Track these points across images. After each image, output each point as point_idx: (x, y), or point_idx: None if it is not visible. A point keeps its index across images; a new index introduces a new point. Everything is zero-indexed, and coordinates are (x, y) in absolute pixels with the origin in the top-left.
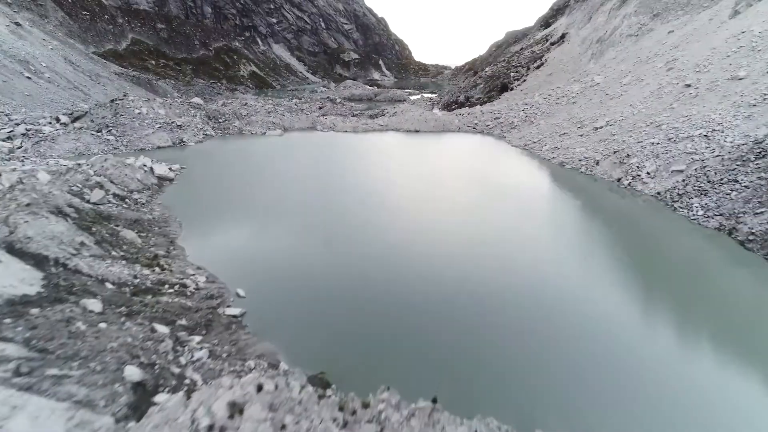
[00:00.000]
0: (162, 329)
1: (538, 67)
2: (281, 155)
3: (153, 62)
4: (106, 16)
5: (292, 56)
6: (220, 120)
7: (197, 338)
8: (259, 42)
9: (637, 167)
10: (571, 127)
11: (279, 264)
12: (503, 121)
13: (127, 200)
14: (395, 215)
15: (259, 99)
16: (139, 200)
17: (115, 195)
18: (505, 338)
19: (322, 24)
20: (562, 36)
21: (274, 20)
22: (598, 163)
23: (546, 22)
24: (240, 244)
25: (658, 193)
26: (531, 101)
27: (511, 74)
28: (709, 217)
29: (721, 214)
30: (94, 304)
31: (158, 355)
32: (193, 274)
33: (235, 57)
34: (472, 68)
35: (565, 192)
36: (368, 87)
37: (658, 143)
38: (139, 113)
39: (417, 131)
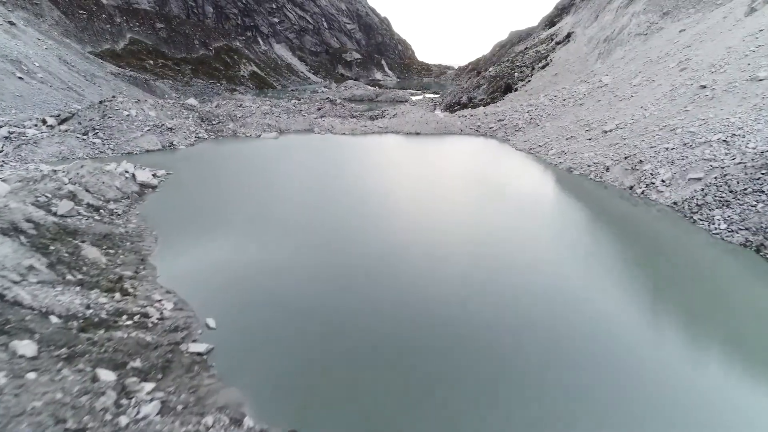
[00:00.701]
0: (107, 376)
1: (543, 67)
2: (274, 159)
3: (151, 62)
4: (103, 16)
5: (294, 56)
6: (213, 122)
7: (149, 386)
8: (260, 42)
9: (651, 174)
10: (578, 130)
11: (261, 288)
12: (507, 124)
13: (101, 211)
14: (394, 235)
15: (256, 100)
16: (115, 211)
17: (88, 206)
18: (519, 379)
19: (325, 24)
20: (568, 35)
21: (276, 20)
22: (608, 169)
23: (551, 21)
24: (220, 263)
25: (675, 203)
26: (536, 102)
27: (516, 74)
28: (733, 231)
29: (746, 228)
30: (27, 347)
31: (93, 414)
32: (160, 300)
33: (236, 57)
34: (475, 68)
35: (573, 200)
36: (369, 87)
37: (673, 148)
38: (127, 115)
39: (417, 134)
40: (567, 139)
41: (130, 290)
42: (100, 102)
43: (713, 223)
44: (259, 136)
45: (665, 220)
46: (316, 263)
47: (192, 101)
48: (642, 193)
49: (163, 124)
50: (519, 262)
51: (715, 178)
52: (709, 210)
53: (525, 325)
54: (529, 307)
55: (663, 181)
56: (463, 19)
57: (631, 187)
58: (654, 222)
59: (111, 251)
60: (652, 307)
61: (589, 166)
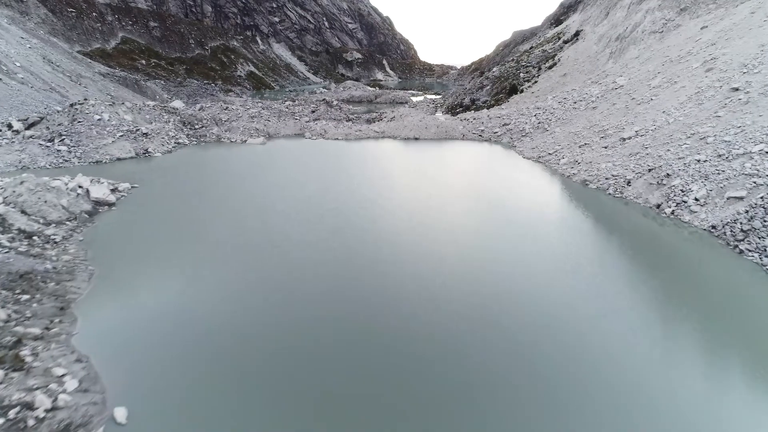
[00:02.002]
0: None
1: (550, 67)
2: (257, 169)
3: (144, 62)
4: (94, 14)
5: (293, 56)
6: (196, 126)
7: None
8: (259, 41)
9: (682, 191)
10: (592, 137)
11: (214, 354)
12: (513, 128)
13: (35, 238)
14: (386, 272)
15: (247, 102)
16: (52, 237)
17: (18, 232)
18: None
19: (326, 23)
20: (576, 33)
21: (277, 19)
22: (629, 183)
23: (556, 19)
24: (163, 313)
25: (713, 227)
26: (544, 105)
27: (521, 75)
28: None
29: None
30: None
31: None
32: (63, 376)
33: (233, 56)
34: (478, 68)
35: (590, 221)
36: (369, 88)
37: (705, 161)
38: (99, 120)
39: (416, 139)
40: (580, 147)
41: (28, 360)
42: (71, 105)
43: (766, 256)
44: (245, 141)
45: (703, 247)
46: (293, 317)
47: (177, 103)
48: (672, 213)
49: (138, 129)
50: (526, 297)
51: (762, 198)
52: (759, 238)
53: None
54: (538, 356)
55: (696, 199)
56: (467, 18)
57: (658, 206)
58: (690, 251)
59: (24, 297)
60: (700, 369)
61: (606, 178)
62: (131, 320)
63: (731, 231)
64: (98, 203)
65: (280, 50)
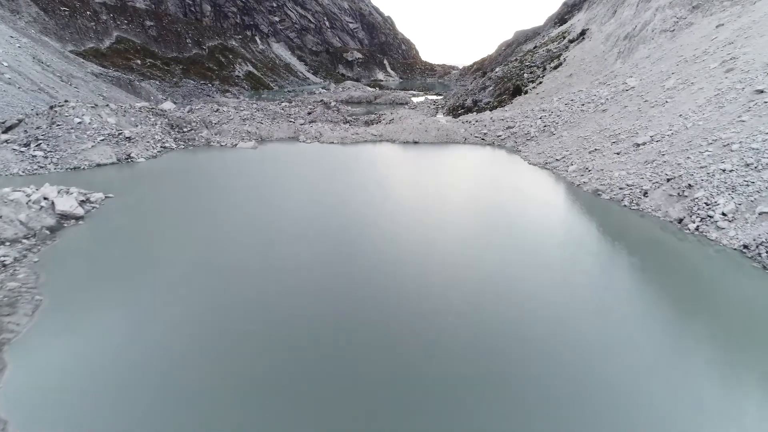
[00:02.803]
0: None
1: (555, 68)
2: (245, 177)
3: (139, 62)
4: (88, 13)
5: (293, 55)
6: (184, 129)
7: None
8: (258, 41)
9: (706, 204)
10: (603, 142)
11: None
12: (517, 132)
13: None
14: (380, 305)
15: (241, 104)
16: (2, 259)
17: None
18: None
19: (327, 23)
20: (582, 33)
21: (277, 19)
22: (646, 194)
23: (560, 18)
24: (118, 357)
25: (746, 247)
26: (549, 107)
27: (525, 75)
28: None
29: None
30: None
31: None
32: None
33: (231, 56)
34: (480, 68)
35: (605, 238)
36: (368, 89)
37: (731, 170)
38: (79, 123)
39: (416, 143)
40: (590, 153)
41: None
42: (51, 107)
43: None
44: (235, 145)
45: (732, 268)
46: (283, 361)
47: (168, 105)
48: (697, 229)
49: (121, 133)
50: (533, 315)
51: None
52: None
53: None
54: (547, 374)
55: (724, 214)
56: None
57: (680, 220)
58: (722, 275)
59: None
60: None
61: (621, 188)
62: (75, 371)
63: (767, 251)
64: (64, 217)
65: (280, 50)
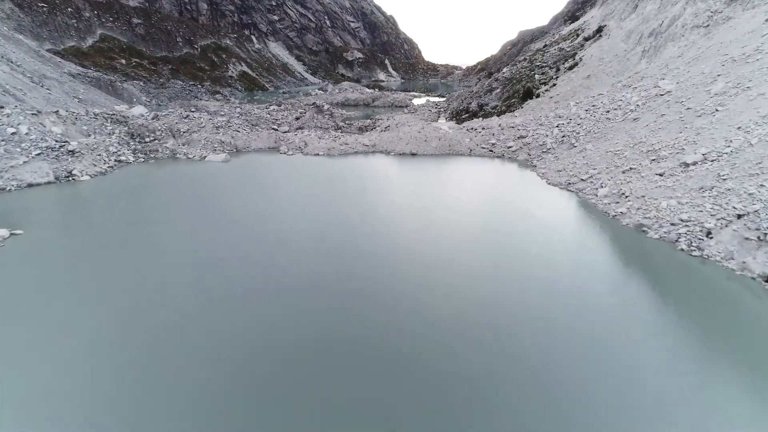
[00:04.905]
0: None
1: (570, 68)
2: (207, 199)
3: (123, 61)
4: (69, 9)
5: (291, 55)
6: (146, 139)
7: None
8: (254, 40)
9: None
10: (639, 159)
11: None
12: (531, 143)
13: None
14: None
15: (224, 107)
16: None
17: None
18: None
19: (327, 22)
20: (599, 29)
21: (276, 18)
22: (709, 234)
23: (571, 15)
24: None
25: None
26: (566, 113)
27: (536, 77)
28: None
29: None
30: None
31: None
32: None
33: (224, 56)
34: (484, 68)
35: (662, 304)
36: (367, 90)
37: None
38: (13, 133)
39: (413, 155)
40: (624, 173)
41: None
42: None
43: None
44: (204, 158)
45: None
46: None
47: (139, 109)
48: None
49: (64, 145)
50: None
51: None
52: None
53: None
54: None
55: None
56: (472, 17)
57: (767, 278)
58: None
59: None
60: None
61: (672, 224)
62: None
63: None
64: None
65: (277, 49)
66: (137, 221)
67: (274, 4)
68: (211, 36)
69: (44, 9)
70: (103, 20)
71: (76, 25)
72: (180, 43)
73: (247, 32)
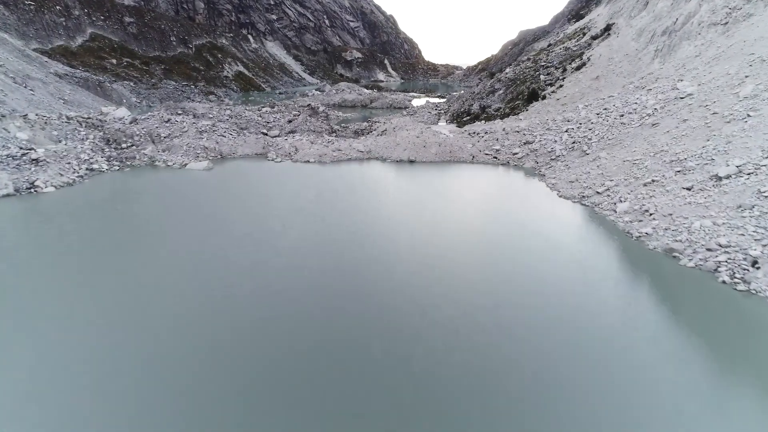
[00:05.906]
0: None
1: (578, 68)
2: (183, 214)
3: (114, 61)
4: (57, 7)
5: (288, 54)
6: (123, 145)
7: None
8: (251, 39)
9: None
10: (662, 170)
11: None
12: (538, 149)
13: None
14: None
15: (212, 109)
16: None
17: None
18: None
19: (327, 21)
20: (607, 28)
21: (274, 17)
22: (755, 263)
23: (575, 13)
24: None
25: None
26: (576, 117)
27: (542, 77)
28: None
29: None
30: None
31: None
32: None
33: (220, 56)
34: (485, 68)
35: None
36: (365, 91)
37: None
38: None
39: (411, 162)
40: (646, 186)
41: None
42: None
43: None
44: (185, 165)
45: None
46: None
47: (122, 111)
48: None
49: (27, 153)
50: None
51: None
52: None
53: None
54: None
55: None
56: (472, 17)
57: None
58: None
59: None
60: None
61: (709, 249)
62: None
63: None
64: None
65: (274, 49)
66: (96, 240)
67: (272, 3)
68: (207, 35)
69: (31, 7)
70: (94, 19)
71: (64, 23)
72: (174, 43)
73: (244, 31)
